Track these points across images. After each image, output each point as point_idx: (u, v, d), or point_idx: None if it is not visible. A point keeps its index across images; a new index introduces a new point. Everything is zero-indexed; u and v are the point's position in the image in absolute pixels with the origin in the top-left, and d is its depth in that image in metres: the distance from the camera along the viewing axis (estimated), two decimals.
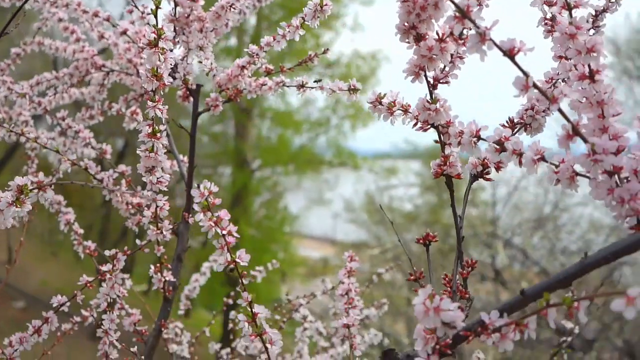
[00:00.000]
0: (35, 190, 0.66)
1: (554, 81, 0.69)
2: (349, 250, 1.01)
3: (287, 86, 0.99)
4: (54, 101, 1.23)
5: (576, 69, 0.55)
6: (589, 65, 0.54)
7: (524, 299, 0.52)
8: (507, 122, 0.69)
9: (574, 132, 0.52)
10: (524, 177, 6.63)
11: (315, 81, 0.92)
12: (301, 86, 0.97)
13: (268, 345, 0.65)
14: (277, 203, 12.01)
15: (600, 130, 0.53)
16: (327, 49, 1.01)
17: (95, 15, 1.11)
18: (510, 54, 0.51)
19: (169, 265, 0.97)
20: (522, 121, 0.68)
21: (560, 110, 0.51)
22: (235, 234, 0.63)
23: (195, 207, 0.62)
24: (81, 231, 1.10)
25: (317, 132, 12.41)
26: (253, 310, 0.65)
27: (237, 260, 0.63)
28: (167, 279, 0.98)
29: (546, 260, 6.73)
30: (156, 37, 0.71)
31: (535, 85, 0.50)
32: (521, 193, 7.72)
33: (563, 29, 0.53)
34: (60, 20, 1.21)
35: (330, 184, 12.63)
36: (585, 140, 0.51)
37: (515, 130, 0.69)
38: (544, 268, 6.36)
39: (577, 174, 0.54)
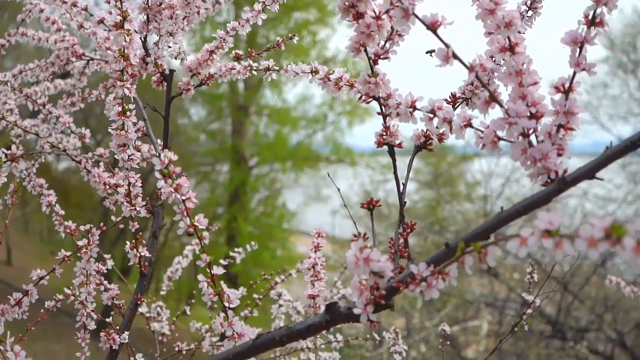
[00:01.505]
0: (9, 162, 0.71)
1: (493, 58, 0.74)
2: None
3: (255, 70, 1.04)
4: (40, 92, 1.28)
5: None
6: (508, 38, 0.59)
7: (448, 252, 0.57)
8: (449, 96, 0.74)
9: (492, 98, 0.57)
10: (515, 170, 6.70)
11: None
12: (267, 69, 1.02)
13: (226, 304, 0.70)
14: (275, 200, 12.07)
15: (520, 97, 0.58)
16: (295, 35, 1.06)
17: (74, 5, 1.16)
18: (432, 27, 0.56)
19: (144, 241, 1.02)
20: (463, 95, 0.73)
21: (478, 78, 0.56)
22: (195, 200, 0.68)
23: (157, 174, 0.67)
24: (62, 212, 1.15)
25: (314, 129, 12.47)
26: (212, 271, 0.70)
27: (196, 224, 0.68)
28: (142, 254, 1.03)
29: (540, 252, 6.80)
30: (122, 19, 0.76)
31: (454, 56, 0.55)
32: (517, 187, 7.81)
33: (484, 5, 0.58)
34: (41, 10, 1.26)
35: (328, 180, 12.65)
36: (501, 105, 0.56)
37: (457, 104, 0.74)
38: (536, 260, 6.42)
39: (500, 138, 0.59)
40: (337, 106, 12.46)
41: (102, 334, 1.02)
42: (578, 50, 0.57)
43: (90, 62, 1.26)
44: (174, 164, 0.68)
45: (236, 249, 1.46)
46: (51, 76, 1.26)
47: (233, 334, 0.69)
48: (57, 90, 1.44)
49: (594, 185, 8.62)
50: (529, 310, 1.15)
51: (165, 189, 0.67)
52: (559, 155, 0.56)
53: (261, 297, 1.35)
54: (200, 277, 0.70)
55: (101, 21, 1.11)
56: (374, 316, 0.61)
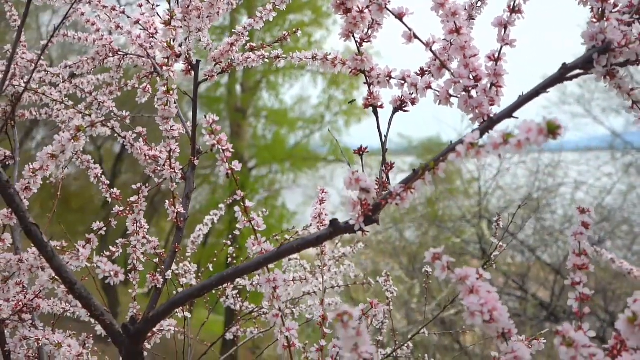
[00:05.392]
0: (90, 127, 0.95)
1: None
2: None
3: (267, 59, 1.28)
4: (86, 82, 1.52)
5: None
6: (455, 23, 0.82)
7: (414, 174, 0.80)
8: (419, 70, 0.97)
9: (442, 65, 0.80)
10: (505, 160, 6.95)
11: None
12: (277, 57, 1.26)
13: (256, 228, 0.94)
14: (274, 201, 12.29)
15: (464, 65, 0.82)
16: (298, 29, 1.30)
17: (113, 9, 1.39)
18: (400, 17, 0.79)
19: (181, 199, 1.25)
20: (429, 69, 0.97)
21: (432, 52, 0.80)
22: (231, 149, 0.92)
23: (203, 131, 0.90)
24: (107, 182, 1.38)
25: (312, 130, 12.71)
26: (245, 204, 0.94)
27: (233, 167, 0.92)
28: (179, 211, 1.26)
29: (532, 239, 7.05)
30: (170, 17, 0.99)
31: (415, 36, 0.79)
32: (511, 178, 8.09)
33: (436, 0, 0.82)
34: (82, 14, 1.49)
35: (327, 180, 12.91)
36: (449, 70, 0.80)
37: (425, 75, 0.97)
38: (529, 246, 6.67)
39: (450, 95, 0.83)
40: (334, 106, 12.71)
41: (148, 276, 1.25)
42: (503, 29, 0.81)
43: (125, 57, 1.49)
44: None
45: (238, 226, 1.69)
46: (92, 70, 1.50)
47: (261, 250, 0.93)
48: (89, 85, 1.67)
49: (589, 178, 8.88)
50: (496, 253, 1.39)
51: (210, 142, 0.90)
52: (491, 105, 0.80)
53: None
54: (236, 208, 0.93)
55: (137, 22, 1.35)
56: (364, 226, 0.84)
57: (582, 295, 0.75)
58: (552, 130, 0.56)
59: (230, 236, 1.78)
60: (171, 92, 1.06)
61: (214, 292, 1.70)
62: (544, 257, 7.30)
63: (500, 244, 1.40)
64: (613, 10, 0.74)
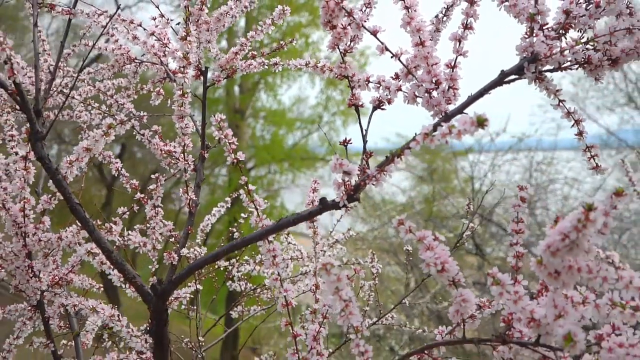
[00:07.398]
0: (119, 125, 1.14)
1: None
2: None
3: (267, 65, 1.47)
4: (108, 86, 1.71)
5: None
6: (419, 37, 1.01)
7: (386, 160, 0.99)
8: (394, 74, 1.16)
9: (408, 72, 1.00)
10: (497, 157, 7.14)
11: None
12: (275, 64, 1.45)
13: (258, 207, 1.13)
14: (273, 200, 12.46)
15: (427, 72, 1.01)
16: (293, 39, 1.49)
17: (131, 22, 1.58)
18: (374, 33, 0.99)
19: (192, 187, 1.44)
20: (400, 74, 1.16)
21: (400, 61, 0.99)
22: (236, 142, 1.11)
23: (213, 127, 1.09)
24: (127, 175, 1.57)
25: (310, 130, 12.88)
26: (248, 187, 1.13)
27: (238, 157, 1.11)
28: (191, 198, 1.45)
29: (526, 234, 7.23)
30: (186, 33, 1.18)
31: (386, 48, 0.98)
32: (505, 175, 8.30)
33: (404, 19, 1.01)
34: (103, 27, 1.68)
35: (325, 179, 13.07)
36: (414, 76, 0.99)
37: (399, 79, 1.16)
38: (522, 241, 6.86)
39: (416, 95, 1.02)
40: (332, 106, 12.90)
41: (165, 254, 1.44)
42: (458, 43, 1.00)
43: (141, 64, 1.68)
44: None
45: (242, 215, 1.88)
46: (113, 75, 1.69)
47: (263, 225, 1.12)
48: (106, 88, 1.86)
49: (583, 175, 9.07)
50: (468, 233, 1.58)
51: (218, 135, 1.09)
52: (449, 103, 0.99)
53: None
54: (241, 191, 1.12)
55: (152, 33, 1.54)
56: (347, 203, 1.03)
57: (518, 253, 0.94)
58: (480, 122, 0.75)
59: (236, 224, 1.96)
60: (186, 95, 1.25)
61: (221, 268, 1.88)
62: (537, 252, 7.48)
63: (472, 225, 1.59)
64: (544, 27, 0.94)
